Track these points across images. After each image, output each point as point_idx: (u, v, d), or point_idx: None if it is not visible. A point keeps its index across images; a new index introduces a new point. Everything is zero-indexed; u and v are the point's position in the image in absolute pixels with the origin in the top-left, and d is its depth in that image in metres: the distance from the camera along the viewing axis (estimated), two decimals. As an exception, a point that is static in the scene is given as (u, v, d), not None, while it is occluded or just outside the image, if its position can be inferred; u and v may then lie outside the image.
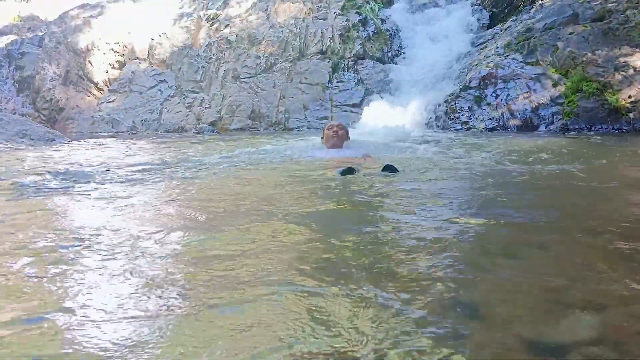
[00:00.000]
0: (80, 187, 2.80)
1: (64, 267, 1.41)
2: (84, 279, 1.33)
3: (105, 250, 1.56)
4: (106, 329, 1.03)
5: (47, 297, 1.21)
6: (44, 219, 2.05)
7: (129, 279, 1.31)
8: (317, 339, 0.95)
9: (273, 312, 1.08)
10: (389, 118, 7.02)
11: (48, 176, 3.16)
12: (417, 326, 0.99)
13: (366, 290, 1.18)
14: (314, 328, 0.99)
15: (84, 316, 1.09)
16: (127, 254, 1.52)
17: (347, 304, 1.11)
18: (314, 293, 1.17)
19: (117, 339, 0.98)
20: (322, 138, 4.53)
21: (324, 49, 9.03)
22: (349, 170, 2.99)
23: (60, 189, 2.73)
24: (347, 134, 4.48)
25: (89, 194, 2.57)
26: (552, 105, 6.20)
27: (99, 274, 1.35)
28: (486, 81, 6.69)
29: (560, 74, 6.43)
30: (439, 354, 0.88)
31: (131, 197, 2.47)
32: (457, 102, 6.74)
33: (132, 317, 1.08)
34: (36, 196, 2.55)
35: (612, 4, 6.88)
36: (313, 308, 1.09)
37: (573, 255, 1.44)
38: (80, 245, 1.62)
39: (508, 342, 0.91)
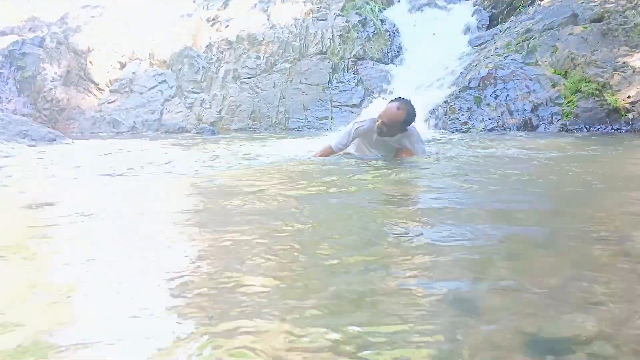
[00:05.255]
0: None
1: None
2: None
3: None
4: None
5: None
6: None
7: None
8: (314, 336, 0.96)
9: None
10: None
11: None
12: (415, 325, 1.00)
13: (364, 289, 1.20)
14: (313, 324, 1.01)
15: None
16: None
17: (344, 302, 1.13)
18: (312, 289, 1.19)
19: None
20: None
21: (324, 50, 9.05)
22: None
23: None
24: (411, 116, 3.52)
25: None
26: (551, 106, 6.22)
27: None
28: (485, 82, 6.71)
29: (559, 74, 6.45)
30: (438, 353, 0.89)
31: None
32: (456, 102, 6.75)
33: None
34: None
35: (611, 5, 6.90)
36: (313, 303, 1.10)
37: (573, 253, 1.45)
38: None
39: (507, 340, 0.92)
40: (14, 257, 1.51)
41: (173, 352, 0.90)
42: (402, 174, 3.06)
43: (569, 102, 6.13)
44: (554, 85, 6.36)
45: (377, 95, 8.15)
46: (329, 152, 3.91)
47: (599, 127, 5.86)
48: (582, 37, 6.62)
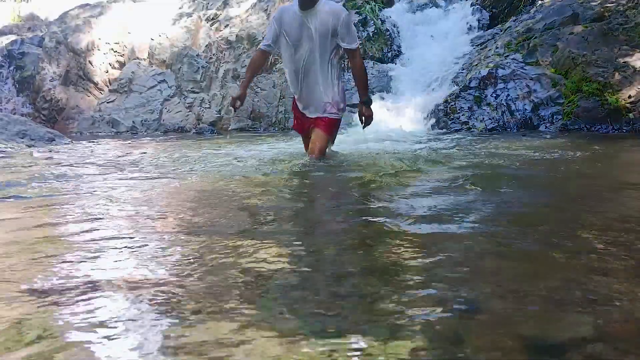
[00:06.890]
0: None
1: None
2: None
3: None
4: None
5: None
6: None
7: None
8: (314, 336, 0.94)
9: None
10: (389, 118, 7.03)
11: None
12: (414, 325, 0.99)
13: (363, 288, 1.18)
14: (313, 323, 0.99)
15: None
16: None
17: (343, 302, 1.11)
18: (313, 289, 1.18)
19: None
20: None
21: (324, 49, 9.02)
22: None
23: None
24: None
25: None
26: (552, 105, 6.21)
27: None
28: (486, 81, 6.69)
29: (560, 74, 6.43)
30: (437, 353, 0.88)
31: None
32: (456, 102, 6.74)
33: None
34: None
35: (612, 4, 6.88)
36: (311, 303, 1.09)
37: (573, 254, 1.44)
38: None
39: (508, 341, 0.91)
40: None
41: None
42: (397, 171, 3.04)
43: (569, 101, 6.11)
44: (554, 85, 6.34)
45: (377, 95, 8.13)
46: (257, 55, 3.45)
47: (599, 127, 5.84)
48: (583, 37, 6.60)
